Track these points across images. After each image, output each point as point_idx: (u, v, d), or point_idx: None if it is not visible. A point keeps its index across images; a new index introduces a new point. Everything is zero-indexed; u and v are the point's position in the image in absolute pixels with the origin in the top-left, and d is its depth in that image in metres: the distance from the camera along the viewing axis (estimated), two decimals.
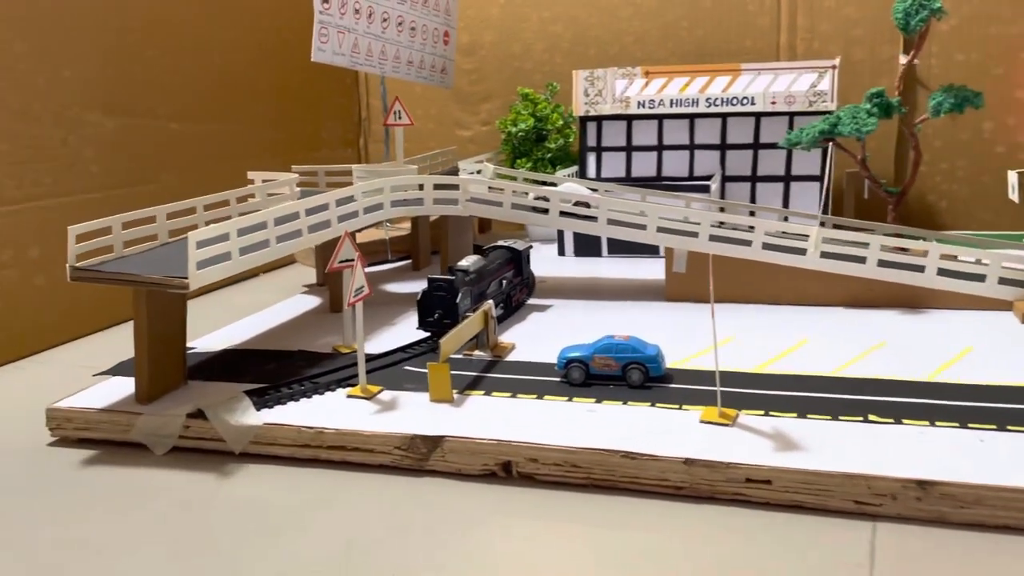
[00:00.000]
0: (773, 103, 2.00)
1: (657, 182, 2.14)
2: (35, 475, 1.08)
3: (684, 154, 2.14)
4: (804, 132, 1.66)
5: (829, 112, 1.95)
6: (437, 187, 1.66)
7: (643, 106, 2.08)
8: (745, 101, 2.02)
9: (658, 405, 1.09)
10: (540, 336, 1.41)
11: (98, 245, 1.20)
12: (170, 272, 1.11)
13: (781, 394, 1.11)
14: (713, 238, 1.54)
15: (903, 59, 2.10)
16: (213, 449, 1.11)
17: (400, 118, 1.83)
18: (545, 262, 2.00)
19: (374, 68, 1.98)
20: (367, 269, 2.09)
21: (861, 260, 1.48)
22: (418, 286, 1.82)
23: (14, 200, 1.58)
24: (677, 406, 1.08)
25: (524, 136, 2.20)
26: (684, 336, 1.37)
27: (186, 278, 1.09)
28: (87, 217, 1.70)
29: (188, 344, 1.43)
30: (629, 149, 2.17)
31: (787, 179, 2.08)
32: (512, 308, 1.55)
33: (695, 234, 1.55)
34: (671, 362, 1.23)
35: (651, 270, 1.79)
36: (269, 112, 2.29)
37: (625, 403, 1.10)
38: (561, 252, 2.09)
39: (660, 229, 1.57)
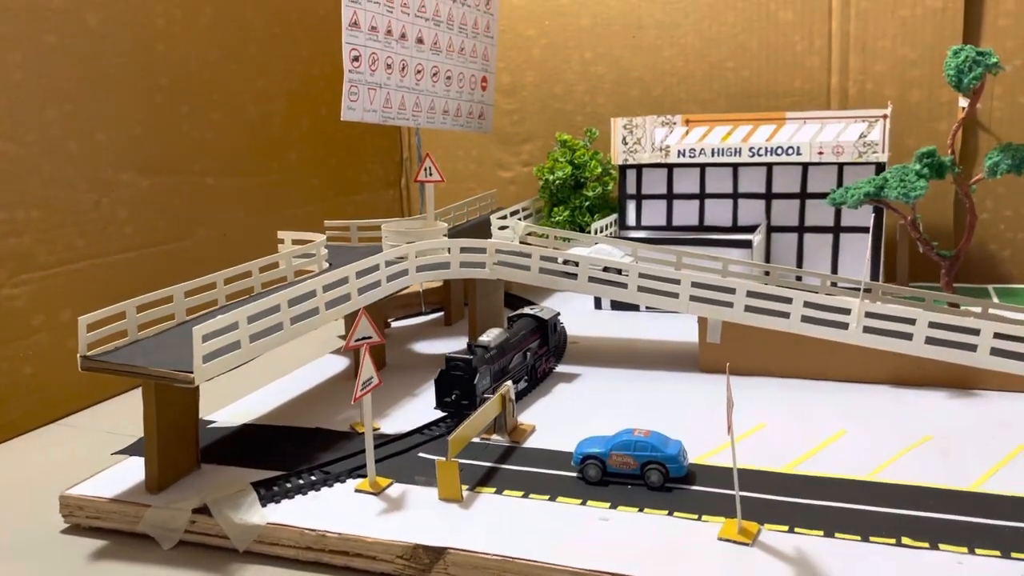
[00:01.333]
0: (820, 153, 1.91)
1: (699, 231, 2.07)
2: (45, 567, 1.07)
3: (727, 203, 2.06)
4: (849, 192, 1.57)
5: (880, 164, 1.87)
6: (464, 250, 1.62)
7: (684, 155, 2.01)
8: (791, 151, 1.93)
9: (676, 514, 1.03)
10: (562, 417, 1.36)
11: (116, 328, 1.19)
12: (178, 364, 1.09)
13: (809, 503, 1.04)
14: (749, 309, 1.47)
15: (963, 102, 1.99)
16: (219, 546, 1.09)
17: (431, 175, 1.79)
18: (580, 317, 1.95)
19: (407, 121, 1.96)
20: (403, 322, 2.10)
21: (907, 336, 1.39)
22: (448, 345, 1.80)
23: (47, 265, 1.60)
24: (696, 516, 1.02)
25: (561, 184, 2.15)
26: (715, 419, 1.30)
27: (191, 372, 1.07)
28: (121, 277, 1.75)
29: (208, 417, 1.43)
30: (670, 197, 2.10)
31: (836, 230, 1.98)
32: (537, 380, 1.50)
33: (730, 304, 1.48)
34: (697, 455, 1.17)
35: (688, 329, 1.71)
36: (306, 159, 2.29)
37: (641, 510, 1.05)
38: (598, 306, 2.03)
39: (693, 298, 1.51)
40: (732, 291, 1.48)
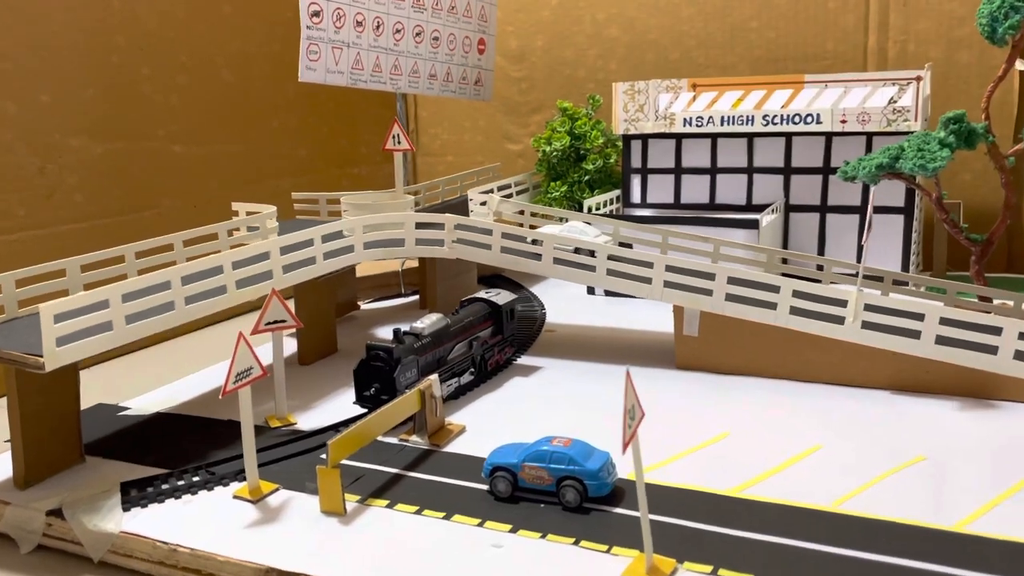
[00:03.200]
0: (843, 121, 1.67)
1: (710, 210, 1.86)
2: None
3: (741, 178, 1.84)
4: (862, 164, 1.35)
5: (912, 133, 1.62)
6: (420, 226, 1.46)
7: (690, 124, 1.80)
8: (809, 119, 1.70)
9: (583, 543, 0.85)
10: (502, 417, 1.19)
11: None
12: (33, 347, 0.96)
13: (748, 538, 0.84)
14: (731, 298, 1.27)
15: (1020, 65, 1.72)
16: (77, 553, 0.96)
17: (399, 143, 1.63)
18: (570, 302, 1.77)
19: (383, 85, 1.80)
20: (378, 303, 1.94)
21: (914, 334, 1.17)
22: None
23: None
24: (605, 548, 0.84)
25: (560, 156, 1.96)
26: (680, 424, 1.12)
27: (41, 356, 0.94)
28: (69, 248, 1.61)
29: (124, 403, 1.31)
30: (678, 171, 1.89)
31: (864, 210, 1.74)
32: (487, 372, 1.33)
33: (709, 292, 1.28)
34: (647, 463, 0.98)
35: None
36: (291, 128, 2.16)
37: (544, 536, 0.87)
38: (590, 291, 1.84)
39: (668, 284, 1.31)
40: (711, 277, 1.28)
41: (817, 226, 1.79)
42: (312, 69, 1.62)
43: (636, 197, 1.94)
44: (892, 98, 1.62)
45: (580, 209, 1.83)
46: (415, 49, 1.86)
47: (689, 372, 1.33)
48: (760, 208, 1.79)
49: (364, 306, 1.84)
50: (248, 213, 1.54)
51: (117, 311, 1.02)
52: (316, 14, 1.60)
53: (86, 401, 1.29)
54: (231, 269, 1.18)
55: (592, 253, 1.35)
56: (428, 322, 1.23)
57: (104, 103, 1.69)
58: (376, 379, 1.14)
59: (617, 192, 1.93)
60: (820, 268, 1.42)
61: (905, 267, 1.71)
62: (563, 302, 1.77)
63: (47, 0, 1.57)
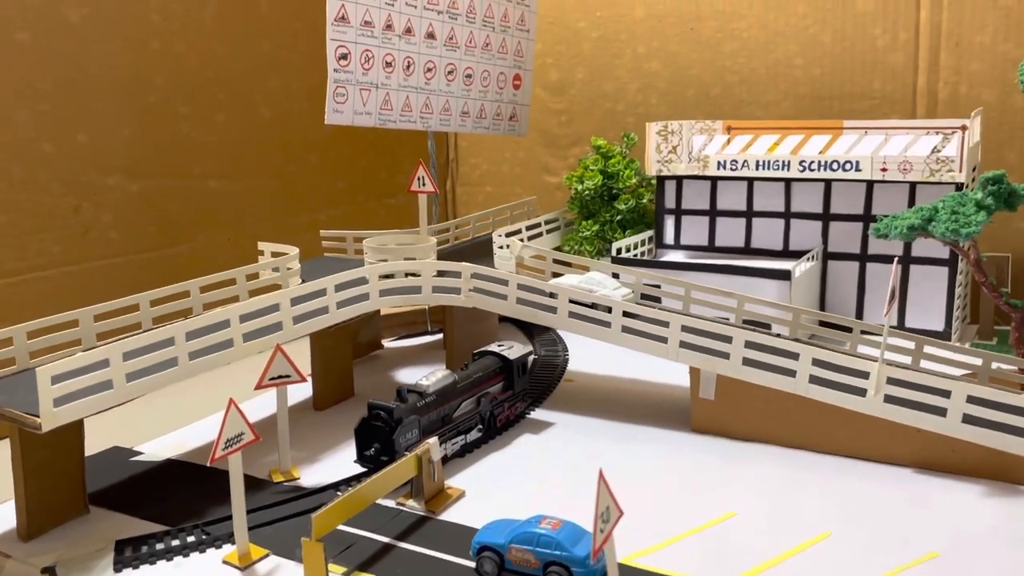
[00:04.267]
0: (884, 169, 1.60)
1: (745, 254, 1.80)
2: None
3: (778, 223, 1.78)
4: (895, 223, 1.28)
5: (960, 184, 1.55)
6: (439, 274, 1.44)
7: (724, 167, 1.75)
8: (848, 166, 1.63)
9: None
10: (505, 480, 1.17)
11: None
12: (32, 405, 0.98)
13: None
14: (748, 362, 1.22)
15: None
16: None
17: (423, 185, 1.63)
18: (596, 347, 1.71)
19: (414, 124, 1.80)
20: (404, 340, 1.92)
21: (940, 411, 1.10)
22: (425, 373, 1.62)
23: (15, 272, 1.55)
24: None
25: (591, 195, 1.93)
26: (685, 500, 1.08)
27: (38, 417, 0.96)
28: (101, 284, 1.68)
29: (138, 447, 1.33)
30: (713, 213, 1.84)
31: (906, 260, 1.67)
32: (496, 429, 1.31)
33: (726, 355, 1.24)
34: (636, 548, 0.95)
35: None
36: (330, 161, 2.17)
37: None
38: None
39: (684, 344, 1.27)
40: (728, 340, 1.23)
41: (856, 275, 1.72)
42: (339, 111, 1.63)
43: (670, 238, 1.90)
44: (936, 147, 1.55)
45: (609, 250, 1.80)
46: (447, 87, 1.86)
47: (704, 436, 1.28)
48: (797, 254, 1.73)
49: (388, 344, 1.84)
50: (273, 254, 1.56)
51: (118, 370, 1.03)
52: (344, 56, 1.61)
53: (103, 442, 1.32)
54: (238, 322, 1.18)
55: (609, 309, 1.32)
56: (433, 379, 1.21)
57: (140, 142, 1.73)
58: (376, 439, 1.13)
59: (650, 233, 1.89)
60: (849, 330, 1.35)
61: (949, 322, 1.63)
62: (587, 345, 1.72)
63: (87, 43, 1.61)
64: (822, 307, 1.75)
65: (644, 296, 1.51)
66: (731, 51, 2.05)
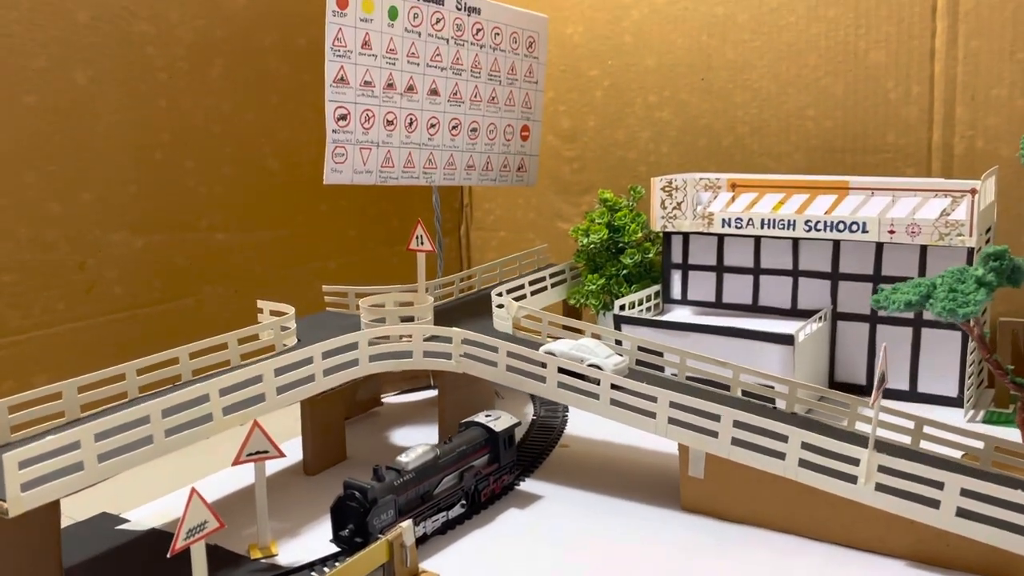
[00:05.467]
0: (891, 232, 1.55)
1: (753, 312, 1.77)
2: None
3: (786, 281, 1.74)
4: (892, 297, 1.24)
5: (970, 249, 1.50)
6: (429, 338, 1.43)
7: (729, 224, 1.71)
8: (855, 227, 1.59)
9: None
10: (485, 560, 1.14)
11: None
12: None
13: None
14: (737, 442, 1.19)
15: None
16: None
17: (422, 244, 1.62)
18: None
19: (416, 180, 1.79)
20: (404, 396, 1.90)
21: (933, 504, 1.06)
22: (431, 433, 1.61)
23: (21, 330, 1.57)
24: None
25: (597, 248, 1.90)
26: None
27: (5, 502, 0.96)
28: (107, 339, 1.70)
29: (125, 514, 1.33)
30: (720, 270, 1.81)
31: (918, 323, 1.62)
32: (482, 504, 1.28)
33: (715, 433, 1.20)
34: None
35: None
36: (341, 209, 2.18)
37: None
38: None
39: (672, 420, 1.24)
40: (717, 418, 1.20)
41: (867, 337, 1.67)
42: (338, 171, 1.63)
43: (677, 293, 1.86)
44: (945, 210, 1.50)
45: (612, 305, 1.77)
46: (451, 142, 1.85)
47: (693, 516, 1.25)
48: (806, 313, 1.69)
49: (389, 400, 1.82)
50: (272, 312, 1.56)
51: (89, 451, 1.03)
52: (343, 117, 1.61)
53: (93, 507, 1.32)
54: (218, 396, 1.18)
55: (598, 380, 1.29)
56: (413, 456, 1.20)
57: (146, 198, 1.75)
58: (350, 519, 1.12)
59: (656, 287, 1.86)
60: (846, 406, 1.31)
61: (962, 388, 1.57)
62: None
63: (94, 103, 1.64)
64: (832, 369, 1.71)
65: (640, 363, 1.48)
66: (742, 101, 2.02)
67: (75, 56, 1.61)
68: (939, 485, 1.05)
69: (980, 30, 1.71)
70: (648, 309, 1.83)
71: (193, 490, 0.96)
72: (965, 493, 1.03)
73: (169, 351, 1.32)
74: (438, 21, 1.75)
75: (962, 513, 1.04)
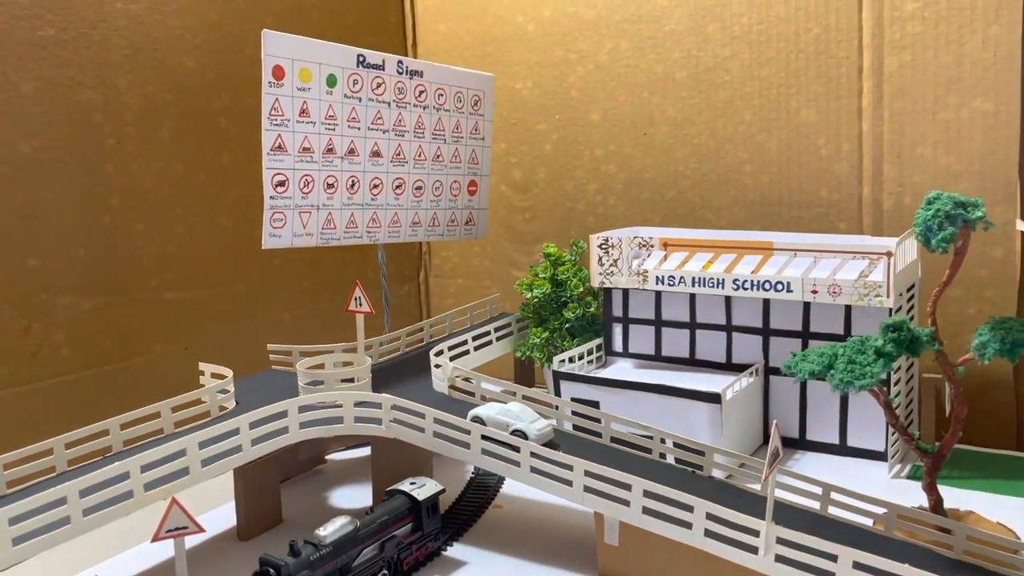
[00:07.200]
0: (814, 292, 1.59)
1: (690, 366, 1.80)
2: None
3: (721, 335, 1.78)
4: (798, 365, 1.27)
5: (889, 310, 1.54)
6: (360, 404, 1.46)
7: (662, 282, 1.75)
8: (780, 287, 1.63)
9: None
10: None
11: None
12: None
13: None
14: (648, 511, 1.22)
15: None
16: None
17: (360, 305, 1.65)
18: None
19: (359, 239, 1.83)
20: (350, 452, 1.92)
21: None
22: (362, 493, 1.63)
23: None
24: None
25: (540, 303, 1.94)
26: None
27: None
28: (52, 402, 1.73)
29: (98, 566, 1.36)
30: (659, 323, 1.84)
31: None
32: (405, 573, 1.31)
33: (627, 502, 1.23)
34: None
35: None
36: (295, 262, 2.22)
37: None
38: None
39: (588, 489, 1.27)
40: (628, 487, 1.23)
41: (798, 392, 1.70)
42: (276, 236, 1.67)
43: (618, 346, 1.90)
44: (863, 272, 1.54)
45: (551, 361, 1.81)
46: (395, 200, 1.89)
47: None
48: (740, 367, 1.73)
49: (333, 457, 1.85)
50: (213, 375, 1.59)
51: (3, 535, 1.06)
52: (281, 183, 1.65)
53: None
54: (139, 473, 1.21)
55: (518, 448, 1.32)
56: (331, 528, 1.22)
57: (94, 261, 1.79)
58: None
59: (599, 341, 1.90)
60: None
61: (887, 443, 1.61)
62: None
63: (39, 172, 1.68)
64: (766, 422, 1.74)
65: (576, 400, 1.51)
66: (683, 156, 2.07)
67: (20, 127, 1.65)
68: (833, 558, 1.08)
69: (904, 90, 1.76)
70: (591, 362, 1.87)
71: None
72: (858, 566, 1.06)
73: (99, 423, 1.35)
74: (379, 86, 1.80)
75: None
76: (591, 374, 1.76)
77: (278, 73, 1.61)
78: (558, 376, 1.75)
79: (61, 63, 1.70)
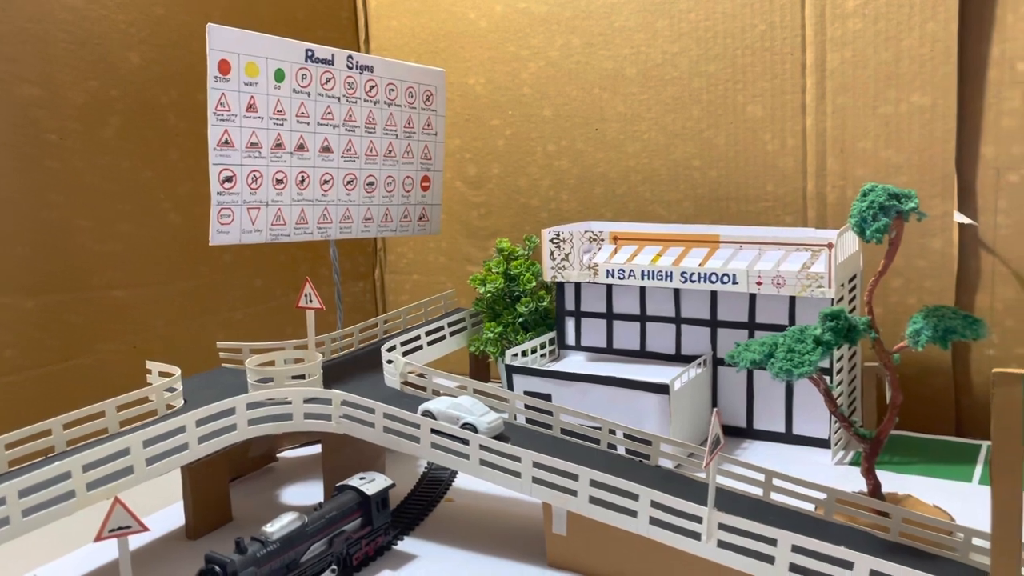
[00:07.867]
0: (759, 284, 1.62)
1: (641, 358, 1.82)
2: None
3: (670, 327, 1.80)
4: (740, 355, 1.30)
5: (831, 300, 1.57)
6: (309, 400, 1.46)
7: (612, 276, 1.77)
8: (726, 279, 1.65)
9: None
10: None
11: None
12: None
13: None
14: (594, 500, 1.23)
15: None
16: None
17: (311, 301, 1.65)
18: None
19: (310, 235, 1.82)
20: (303, 449, 1.91)
21: (769, 560, 1.11)
22: (314, 490, 1.63)
23: None
24: None
25: (493, 297, 1.95)
26: None
27: None
28: None
29: (38, 569, 1.34)
30: (610, 317, 1.86)
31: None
32: (354, 568, 1.31)
33: (574, 492, 1.24)
34: None
35: None
36: (246, 259, 2.20)
37: None
38: None
39: (536, 480, 1.28)
40: (575, 477, 1.24)
41: (745, 382, 1.73)
42: (224, 232, 1.65)
43: (571, 339, 1.92)
44: (805, 263, 1.57)
45: (504, 353, 1.82)
46: (347, 196, 1.89)
47: (559, 573, 1.29)
48: (689, 359, 1.75)
49: (285, 454, 1.84)
50: (160, 373, 1.57)
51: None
52: (228, 179, 1.64)
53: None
54: (81, 472, 1.19)
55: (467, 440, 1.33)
56: (279, 525, 1.22)
57: (37, 259, 1.75)
58: None
59: (552, 335, 1.91)
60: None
61: (831, 431, 1.64)
62: None
63: None
64: None
65: (528, 393, 1.53)
66: (634, 151, 2.09)
67: None
68: (772, 542, 1.10)
69: (845, 86, 1.79)
70: (544, 356, 1.88)
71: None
72: (796, 549, 1.09)
73: (41, 423, 1.33)
74: (328, 80, 1.79)
75: (795, 569, 1.09)
76: (543, 367, 1.77)
77: (224, 68, 1.59)
78: (511, 370, 1.76)
79: (0, 58, 1.67)
